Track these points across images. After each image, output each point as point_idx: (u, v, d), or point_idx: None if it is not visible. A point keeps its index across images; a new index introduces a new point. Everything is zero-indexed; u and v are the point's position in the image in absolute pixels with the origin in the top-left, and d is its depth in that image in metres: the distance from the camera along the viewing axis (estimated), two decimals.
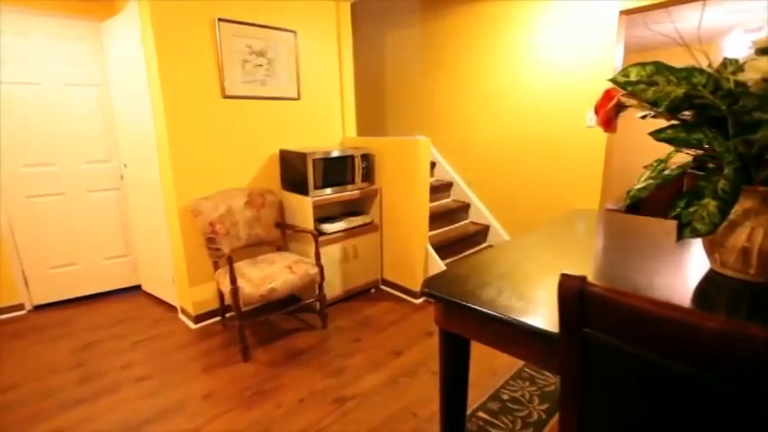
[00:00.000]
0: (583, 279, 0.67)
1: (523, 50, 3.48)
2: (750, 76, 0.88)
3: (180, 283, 2.77)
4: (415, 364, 2.25)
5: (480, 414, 1.84)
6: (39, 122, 2.83)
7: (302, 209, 2.82)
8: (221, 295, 2.63)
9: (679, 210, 0.96)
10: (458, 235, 3.76)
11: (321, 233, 2.83)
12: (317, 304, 2.66)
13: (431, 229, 3.51)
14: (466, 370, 1.26)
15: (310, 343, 2.48)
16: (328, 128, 3.30)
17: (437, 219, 3.77)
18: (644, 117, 1.09)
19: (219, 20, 2.54)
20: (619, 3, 2.87)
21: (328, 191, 2.85)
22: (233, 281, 2.20)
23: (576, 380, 0.73)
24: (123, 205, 3.20)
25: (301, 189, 2.80)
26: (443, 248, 3.46)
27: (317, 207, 2.83)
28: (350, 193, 2.97)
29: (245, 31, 2.67)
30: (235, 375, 2.17)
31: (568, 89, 3.24)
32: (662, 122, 1.03)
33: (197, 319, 2.70)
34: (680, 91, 0.94)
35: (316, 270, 2.53)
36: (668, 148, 1.02)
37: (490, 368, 2.17)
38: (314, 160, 2.73)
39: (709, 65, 0.96)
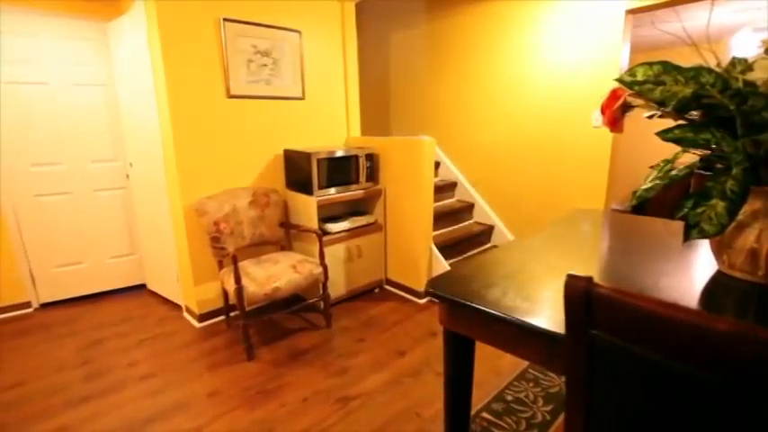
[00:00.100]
0: (589, 280, 0.67)
1: (529, 50, 3.46)
2: (759, 76, 0.87)
3: (184, 282, 2.78)
4: (418, 364, 2.25)
5: (484, 415, 1.84)
6: (46, 122, 2.85)
7: (306, 208, 2.82)
8: (226, 294, 2.64)
9: (686, 210, 0.95)
10: (462, 235, 3.75)
11: (325, 233, 2.83)
12: (321, 304, 2.66)
13: (435, 229, 3.51)
14: (470, 370, 1.26)
15: (314, 342, 2.48)
16: (333, 128, 3.30)
17: (441, 219, 3.77)
18: (651, 117, 1.08)
19: (225, 20, 2.55)
20: (625, 2, 2.85)
21: (332, 190, 2.85)
22: (237, 280, 2.20)
23: (582, 381, 0.72)
24: (129, 204, 3.22)
25: (305, 189, 2.80)
26: (447, 248, 3.46)
27: (321, 207, 2.83)
28: (354, 192, 2.97)
29: (250, 31, 2.68)
30: (239, 374, 2.18)
31: (574, 89, 3.23)
32: (669, 122, 1.02)
33: (201, 317, 2.72)
34: (688, 91, 0.93)
35: (320, 270, 2.53)
36: (674, 149, 1.01)
37: (494, 369, 2.16)
38: (318, 160, 2.73)
39: (718, 64, 0.95)
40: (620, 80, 1.03)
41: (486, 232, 4.02)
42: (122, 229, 3.24)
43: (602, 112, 1.15)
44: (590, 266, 1.21)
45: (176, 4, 2.37)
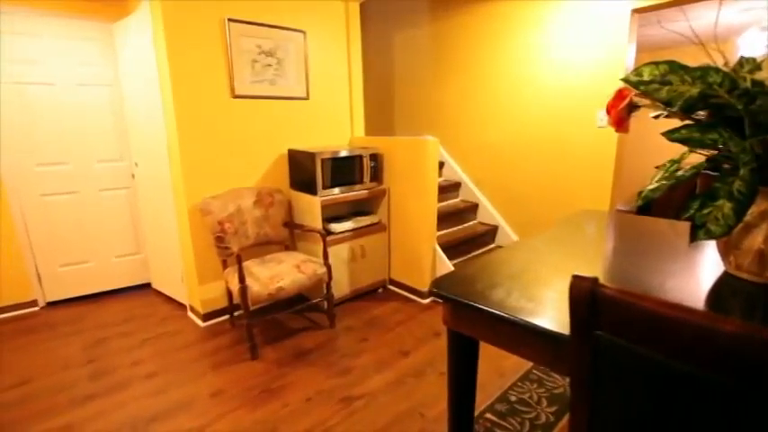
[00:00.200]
0: (594, 281, 0.66)
1: (533, 50, 3.45)
2: None
3: (189, 282, 2.79)
4: (422, 364, 2.25)
5: (488, 415, 1.83)
6: (52, 122, 2.87)
7: (310, 208, 2.83)
8: (230, 294, 2.65)
9: (693, 211, 0.94)
10: (466, 235, 3.74)
11: (329, 233, 2.84)
12: (325, 304, 2.66)
13: (439, 230, 3.50)
14: (474, 371, 1.26)
15: (318, 342, 2.48)
16: (337, 127, 3.31)
17: (445, 219, 3.76)
18: (657, 117, 1.08)
19: (229, 20, 2.56)
20: (631, 1, 2.83)
21: (336, 190, 2.85)
22: (242, 279, 2.21)
23: (586, 382, 0.72)
24: (134, 204, 3.24)
25: (310, 189, 2.80)
26: (451, 249, 3.45)
27: (325, 207, 2.83)
28: (358, 192, 2.98)
29: (254, 32, 2.69)
30: (242, 374, 2.19)
31: (579, 89, 3.21)
32: (675, 122, 1.01)
33: (205, 317, 2.73)
34: (695, 90, 0.92)
35: (323, 269, 2.53)
36: (680, 149, 1.00)
37: (497, 369, 2.16)
38: (322, 160, 2.73)
39: (725, 63, 0.94)
40: (625, 80, 1.02)
41: (491, 233, 4.01)
42: (127, 229, 3.26)
43: (608, 112, 1.15)
44: (595, 267, 1.20)
45: (182, 4, 2.38)
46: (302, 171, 2.86)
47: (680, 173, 1.04)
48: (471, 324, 1.09)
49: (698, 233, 0.93)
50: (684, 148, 1.01)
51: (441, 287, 1.09)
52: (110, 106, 3.06)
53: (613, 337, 0.66)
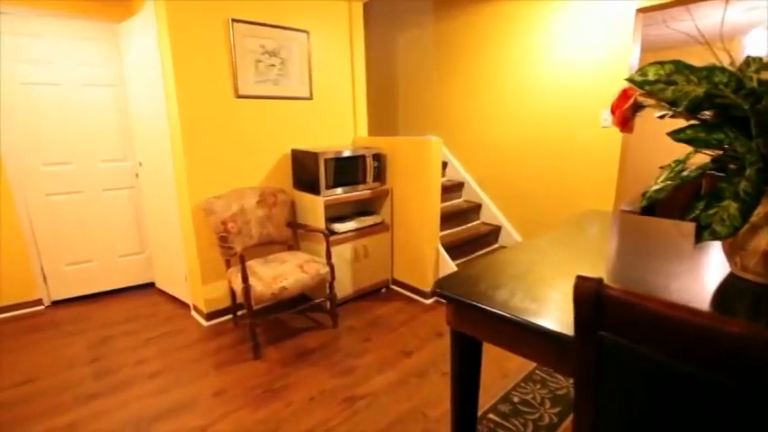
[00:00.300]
0: (599, 281, 0.66)
1: (537, 49, 3.44)
2: None
3: (192, 281, 2.80)
4: (425, 364, 2.25)
5: (491, 416, 1.83)
6: (57, 122, 2.89)
7: (314, 208, 2.83)
8: (233, 293, 2.65)
9: (698, 212, 0.94)
10: (469, 236, 3.74)
11: (332, 233, 2.84)
12: (328, 303, 2.66)
13: (442, 230, 3.50)
14: (477, 371, 1.25)
15: (321, 342, 2.49)
16: (340, 127, 3.31)
17: (448, 219, 3.75)
18: (662, 117, 1.07)
19: (233, 20, 2.56)
20: (635, 1, 2.82)
21: (339, 190, 2.85)
22: (245, 279, 2.21)
23: (590, 382, 0.71)
24: (138, 203, 3.25)
25: (313, 188, 2.81)
26: (454, 249, 3.45)
27: (328, 206, 2.84)
28: (361, 192, 2.98)
29: (258, 32, 2.69)
30: (245, 373, 2.19)
31: (583, 88, 3.20)
32: (680, 122, 1.00)
33: (209, 316, 2.73)
34: (700, 90, 0.91)
35: (326, 269, 2.53)
36: (685, 149, 0.99)
37: (501, 370, 2.15)
38: (326, 160, 2.73)
39: (731, 63, 0.93)
40: (630, 80, 1.02)
41: (494, 233, 4.00)
42: (131, 228, 3.27)
43: (612, 112, 1.14)
44: (599, 268, 1.20)
45: (186, 4, 2.39)
46: (305, 171, 2.86)
47: (685, 173, 1.03)
48: (474, 324, 1.08)
49: (703, 234, 0.92)
50: (689, 148, 1.01)
51: (444, 287, 1.08)
52: (114, 106, 3.07)
53: (618, 338, 0.66)
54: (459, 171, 4.26)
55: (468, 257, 3.69)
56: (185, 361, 2.31)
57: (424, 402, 1.94)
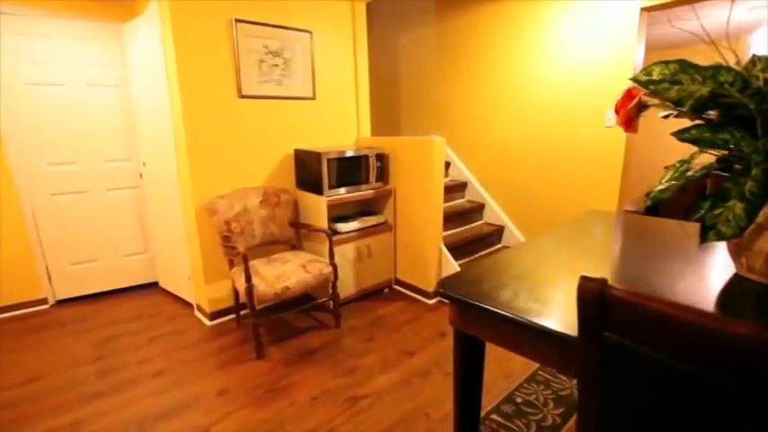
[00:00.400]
0: (603, 282, 0.66)
1: (541, 49, 3.43)
2: None
3: (196, 281, 2.81)
4: (428, 364, 2.24)
5: (494, 417, 1.82)
6: (62, 122, 2.91)
7: (317, 208, 2.83)
8: (236, 293, 2.66)
9: (703, 212, 0.93)
10: (472, 235, 3.73)
11: (335, 232, 2.84)
12: (331, 303, 2.67)
13: (445, 230, 3.50)
14: (480, 371, 1.25)
15: (323, 342, 2.49)
16: (343, 127, 3.31)
17: (451, 219, 3.75)
18: (667, 117, 1.06)
19: (237, 20, 2.57)
20: (640, 0, 2.80)
21: (342, 190, 2.86)
22: (248, 279, 2.22)
23: (594, 384, 0.71)
24: (142, 203, 3.27)
25: (316, 188, 2.81)
26: (457, 249, 3.44)
27: (331, 206, 2.84)
28: (364, 192, 2.98)
29: (261, 32, 2.70)
30: (248, 373, 2.20)
31: (587, 88, 3.19)
32: (684, 122, 1.00)
33: (212, 316, 2.74)
34: (705, 90, 0.91)
35: (329, 269, 2.53)
36: (689, 149, 0.99)
37: (504, 371, 2.15)
38: (328, 160, 2.74)
39: (737, 62, 0.92)
40: (635, 79, 1.01)
41: (497, 233, 3.99)
42: (135, 228, 3.29)
43: (617, 111, 1.14)
44: (603, 268, 1.19)
45: (189, 5, 2.40)
46: (308, 171, 2.87)
47: (690, 173, 1.03)
48: (477, 325, 1.08)
49: (708, 234, 0.91)
50: (694, 148, 1.00)
51: (447, 287, 1.08)
52: (118, 106, 3.08)
53: (622, 338, 0.65)
54: (462, 171, 4.25)
55: (472, 257, 3.69)
56: (188, 360, 2.32)
57: (427, 402, 1.94)
